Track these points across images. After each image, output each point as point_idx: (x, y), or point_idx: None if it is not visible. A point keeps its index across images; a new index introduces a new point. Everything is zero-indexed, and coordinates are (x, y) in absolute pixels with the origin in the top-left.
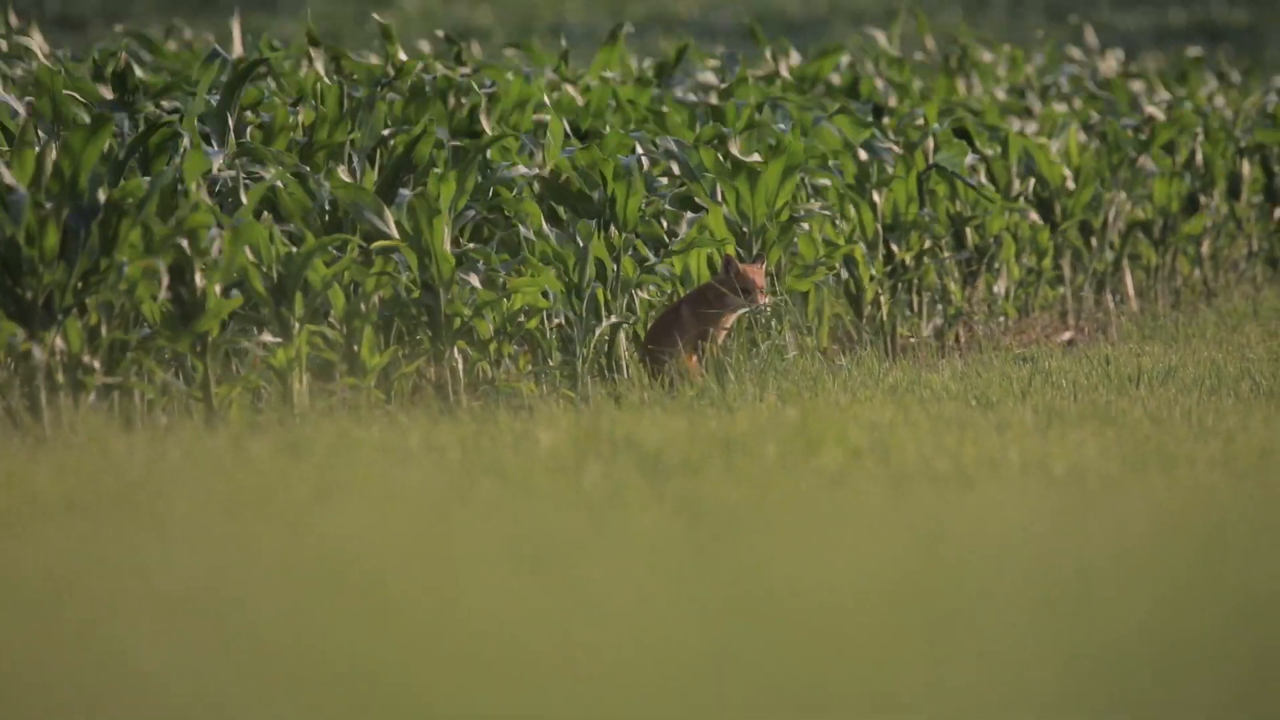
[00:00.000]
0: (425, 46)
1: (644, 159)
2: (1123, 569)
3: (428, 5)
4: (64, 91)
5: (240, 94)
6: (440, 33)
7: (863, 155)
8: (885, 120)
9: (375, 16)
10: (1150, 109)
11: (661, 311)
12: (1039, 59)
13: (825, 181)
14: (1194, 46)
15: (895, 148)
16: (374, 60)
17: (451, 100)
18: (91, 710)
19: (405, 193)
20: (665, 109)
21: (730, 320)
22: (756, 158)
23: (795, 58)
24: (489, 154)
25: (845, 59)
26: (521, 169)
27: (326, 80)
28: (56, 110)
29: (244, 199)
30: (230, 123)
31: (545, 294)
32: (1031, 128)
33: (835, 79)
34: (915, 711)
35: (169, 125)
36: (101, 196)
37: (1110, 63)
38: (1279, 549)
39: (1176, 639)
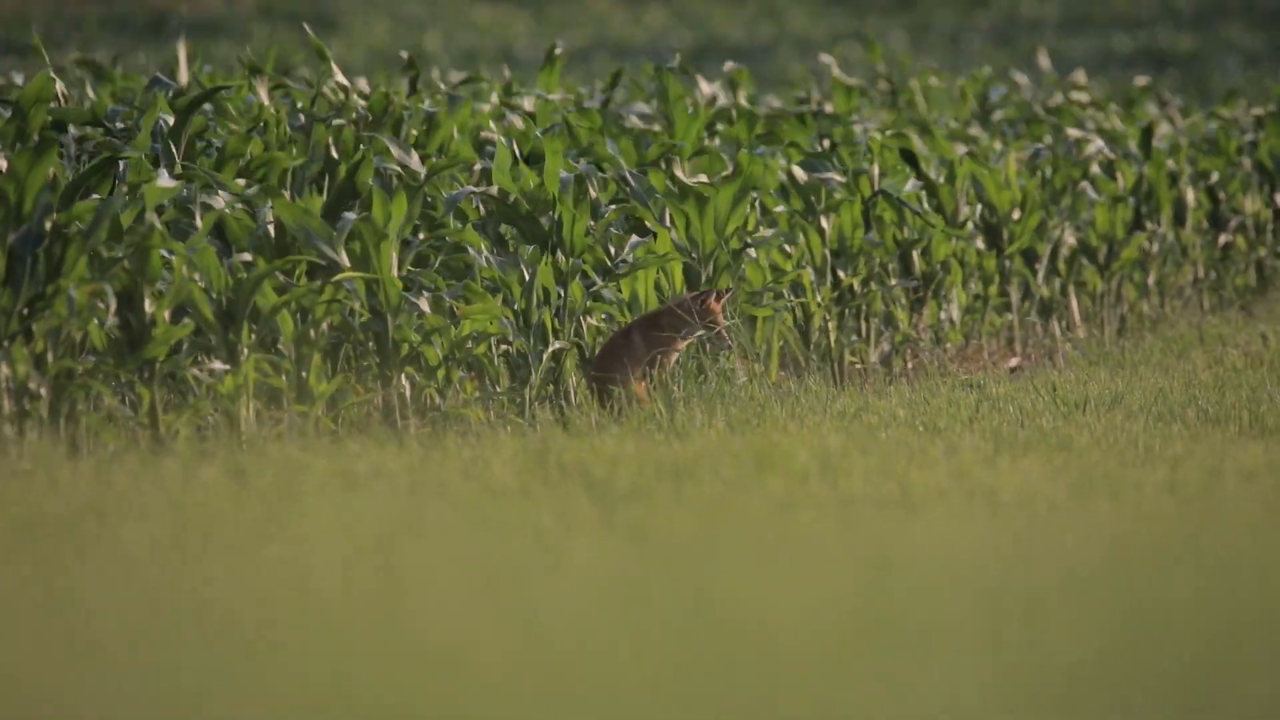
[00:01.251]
0: (362, 82)
1: (589, 181)
2: (1070, 595)
3: (374, 32)
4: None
5: (191, 121)
6: (404, 53)
7: (801, 175)
8: (834, 148)
9: (310, 33)
10: (1077, 133)
11: (610, 337)
12: (994, 92)
13: (780, 207)
14: (1140, 75)
15: (836, 177)
16: (324, 89)
17: (405, 129)
18: None
19: (349, 216)
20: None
21: (682, 347)
22: (703, 178)
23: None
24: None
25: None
26: (471, 189)
27: (270, 108)
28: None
29: (199, 224)
30: (178, 150)
31: (499, 321)
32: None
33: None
34: None
35: (115, 153)
36: (48, 223)
37: (1070, 86)
38: (1226, 574)
39: (1125, 664)
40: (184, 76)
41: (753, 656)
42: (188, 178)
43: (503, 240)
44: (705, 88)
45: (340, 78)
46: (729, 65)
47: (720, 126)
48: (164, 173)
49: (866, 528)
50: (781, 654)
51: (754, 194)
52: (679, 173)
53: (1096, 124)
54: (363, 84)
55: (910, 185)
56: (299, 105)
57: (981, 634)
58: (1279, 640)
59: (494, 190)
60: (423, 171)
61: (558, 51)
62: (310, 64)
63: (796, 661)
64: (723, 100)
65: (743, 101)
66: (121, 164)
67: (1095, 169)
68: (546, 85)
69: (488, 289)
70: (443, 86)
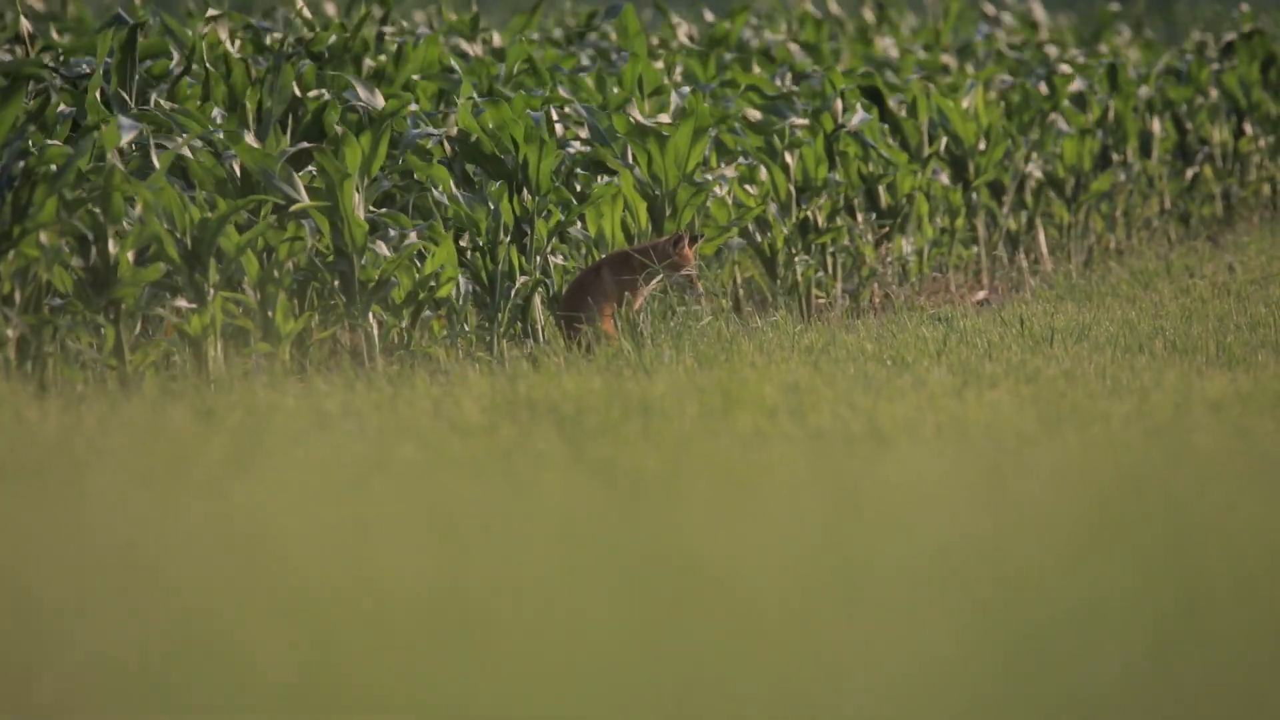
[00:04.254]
0: (330, 9)
1: (555, 122)
2: (1039, 526)
3: None
4: None
5: (136, 56)
6: None
7: (754, 116)
8: (797, 86)
9: None
10: (1063, 67)
11: (578, 274)
12: (945, 23)
13: (744, 159)
14: (1106, 2)
15: (798, 120)
16: (283, 25)
17: (367, 62)
18: (6, 670)
19: (307, 145)
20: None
21: (651, 287)
22: (664, 118)
23: (710, 17)
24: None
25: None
26: (431, 130)
27: (229, 46)
28: None
29: (156, 165)
30: (131, 90)
31: (465, 255)
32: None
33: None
34: (834, 672)
35: (69, 92)
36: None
37: (1034, 11)
38: (1194, 504)
39: (1091, 597)
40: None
41: (721, 594)
42: (147, 119)
43: (469, 179)
44: (680, 29)
45: (305, 10)
46: None
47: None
48: (123, 118)
49: (835, 462)
50: (750, 592)
51: (712, 132)
52: (634, 113)
53: (1062, 57)
54: (331, 9)
55: (859, 118)
56: (267, 42)
57: (950, 567)
58: (1248, 573)
59: (453, 131)
60: (381, 104)
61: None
62: (265, 4)
63: (765, 599)
64: (687, 35)
65: (684, 39)
66: (63, 106)
67: (1066, 101)
68: (522, 30)
69: (454, 225)
70: (405, 24)
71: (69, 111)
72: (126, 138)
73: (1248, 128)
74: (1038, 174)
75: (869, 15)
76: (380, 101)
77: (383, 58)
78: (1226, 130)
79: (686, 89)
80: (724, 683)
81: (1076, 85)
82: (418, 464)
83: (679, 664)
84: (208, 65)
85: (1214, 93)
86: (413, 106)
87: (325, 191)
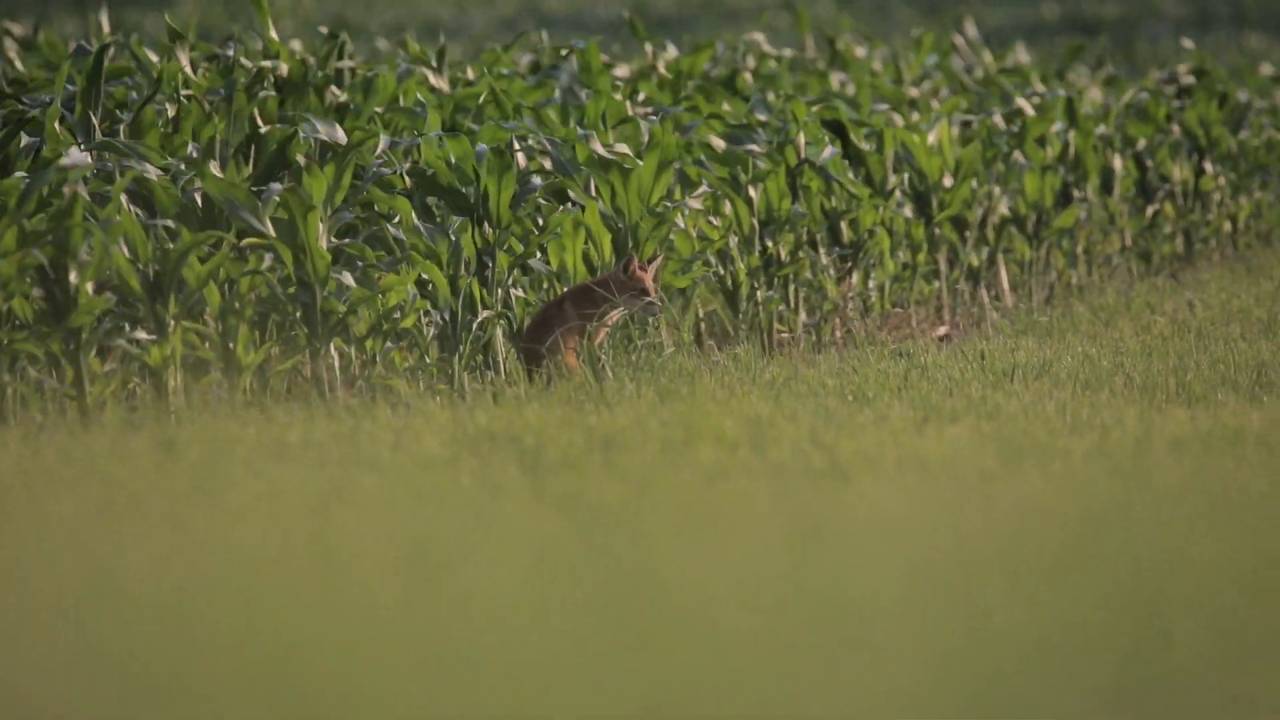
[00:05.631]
0: (296, 44)
1: (518, 153)
2: (999, 563)
3: (301, 4)
4: None
5: (101, 85)
6: (323, 28)
7: (719, 145)
8: (762, 118)
9: None
10: (1020, 102)
11: (540, 308)
12: (916, 57)
13: (706, 187)
14: (1067, 40)
15: (757, 148)
16: (245, 54)
17: (328, 96)
18: None
19: (276, 186)
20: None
21: (613, 319)
22: (624, 149)
23: (672, 53)
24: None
25: (720, 49)
26: (387, 170)
27: (191, 74)
28: None
29: (120, 196)
30: (95, 118)
31: (426, 288)
32: (913, 117)
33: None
34: (795, 704)
35: (33, 120)
36: None
37: (1005, 57)
38: (1154, 542)
39: (1053, 632)
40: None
41: (684, 627)
42: (106, 149)
43: (430, 211)
44: (648, 54)
45: (273, 33)
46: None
47: (643, 95)
48: (74, 149)
49: (796, 497)
50: (712, 624)
51: (675, 164)
52: (597, 146)
53: (1023, 93)
54: (297, 44)
55: (827, 153)
56: (229, 71)
57: (910, 601)
58: (1205, 606)
59: (408, 164)
60: (343, 140)
61: (525, 35)
62: (240, 21)
63: (727, 631)
64: (651, 64)
65: (662, 69)
66: (26, 136)
67: (1032, 140)
68: (492, 64)
69: (417, 257)
70: (379, 46)
71: (33, 141)
72: (75, 166)
73: (1208, 165)
74: (1005, 210)
75: (839, 44)
76: (341, 136)
77: (345, 93)
78: (1187, 168)
79: (654, 116)
80: (689, 711)
81: (1055, 128)
82: (379, 495)
83: (644, 692)
84: (181, 95)
85: (1175, 130)
86: (383, 142)
87: (288, 223)
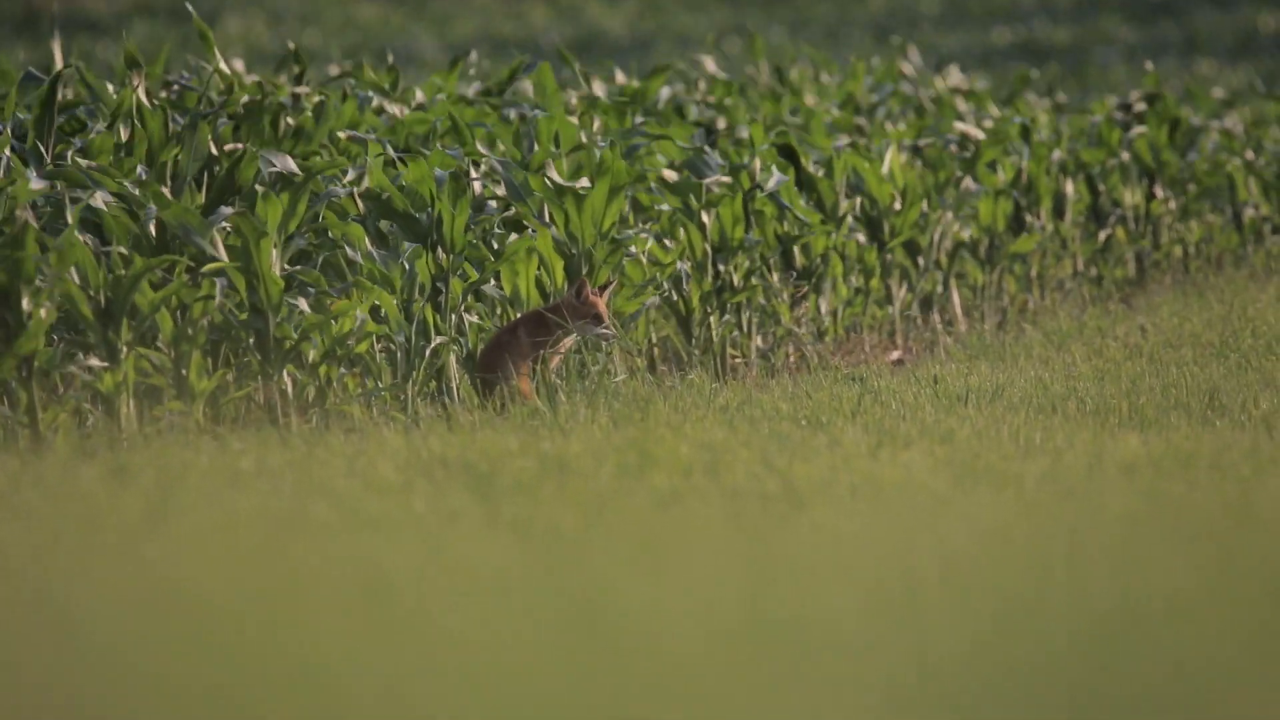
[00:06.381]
0: (239, 65)
1: (474, 181)
2: (952, 587)
3: (252, 28)
4: None
5: (54, 113)
6: (291, 44)
7: (670, 176)
8: (713, 143)
9: (195, 15)
10: (964, 127)
11: (494, 333)
12: (869, 80)
13: (663, 207)
14: (1020, 67)
15: (723, 177)
16: (196, 82)
17: (282, 123)
18: None
19: (225, 210)
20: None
21: (567, 345)
22: (584, 183)
23: (621, 78)
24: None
25: (668, 84)
26: (342, 187)
27: (147, 102)
28: None
29: (69, 220)
30: (46, 145)
31: (375, 314)
32: (862, 143)
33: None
34: None
35: None
36: None
37: (947, 79)
38: (1106, 566)
39: (1006, 656)
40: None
41: (638, 652)
42: (62, 176)
43: (383, 236)
44: (595, 86)
45: (223, 65)
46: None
47: (598, 122)
48: (32, 173)
49: (751, 522)
50: (667, 650)
51: (627, 191)
52: (552, 173)
53: (976, 120)
54: (248, 76)
55: (775, 180)
56: (191, 101)
57: (864, 626)
58: (1157, 630)
59: (362, 188)
60: (297, 171)
61: (469, 60)
62: (191, 50)
63: (682, 657)
64: (603, 92)
65: (603, 96)
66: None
67: (984, 165)
68: (443, 87)
69: (367, 283)
70: (331, 72)
71: None
72: (36, 189)
73: (1158, 190)
74: (961, 234)
75: (792, 70)
76: (293, 166)
77: (300, 118)
78: (1138, 193)
79: (605, 142)
80: None
81: (1014, 160)
82: (332, 521)
83: (596, 716)
84: (135, 120)
85: (1125, 155)
86: (349, 174)
87: (241, 249)
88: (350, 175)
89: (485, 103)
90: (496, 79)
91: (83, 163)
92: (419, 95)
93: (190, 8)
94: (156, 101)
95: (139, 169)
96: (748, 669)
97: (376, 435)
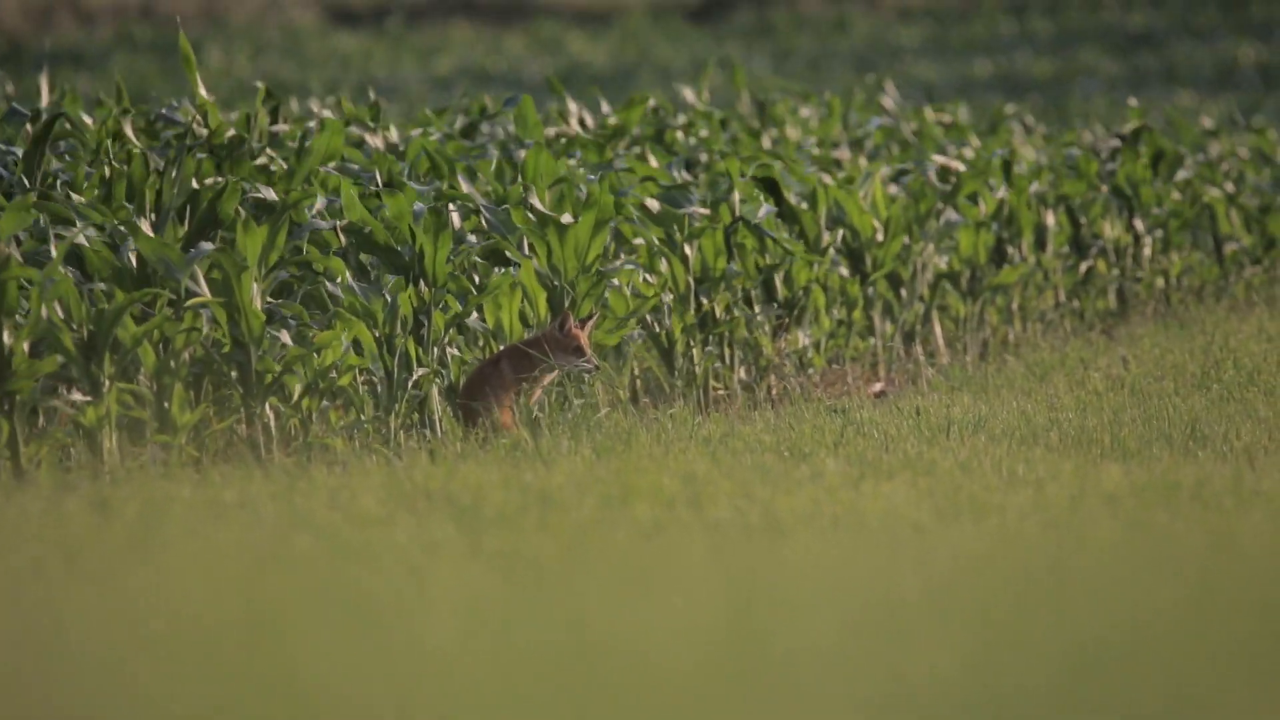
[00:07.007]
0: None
1: (454, 213)
2: (935, 617)
3: (235, 62)
4: None
5: (45, 148)
6: (260, 84)
7: (654, 207)
8: (695, 175)
9: (183, 38)
10: (942, 159)
11: (477, 365)
12: (853, 116)
13: (640, 240)
14: (1000, 100)
15: (702, 210)
16: (180, 116)
17: (262, 157)
18: None
19: (206, 246)
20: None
21: (550, 377)
22: (567, 218)
23: (605, 109)
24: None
25: (651, 105)
26: (322, 221)
27: (132, 136)
28: None
29: (54, 253)
30: (32, 181)
31: (357, 347)
32: (840, 175)
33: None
34: None
35: None
36: None
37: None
38: (1089, 596)
39: (988, 685)
40: (45, 103)
41: (622, 683)
42: (46, 210)
43: (365, 270)
44: (572, 111)
45: (204, 93)
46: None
47: (578, 154)
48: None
49: (733, 553)
50: (650, 680)
51: (611, 223)
52: (535, 202)
53: (957, 152)
54: (227, 114)
55: (763, 211)
56: (174, 136)
57: (848, 658)
58: (1137, 662)
59: (344, 222)
60: (279, 203)
61: (457, 102)
62: (172, 81)
63: (665, 687)
64: (587, 123)
65: (582, 130)
66: None
67: (964, 197)
68: (426, 124)
69: (348, 315)
70: (314, 109)
71: None
72: (20, 226)
73: (1138, 223)
74: (941, 265)
75: (776, 106)
76: (271, 196)
77: (278, 153)
78: (1119, 225)
79: (592, 176)
80: None
81: (991, 187)
82: (315, 554)
83: None
84: (111, 160)
85: (1104, 188)
86: (320, 202)
87: (222, 282)
88: (320, 204)
89: (463, 141)
90: (474, 112)
91: (75, 198)
92: (393, 132)
93: (179, 27)
94: (139, 137)
95: (127, 204)
96: (731, 698)
97: (359, 467)
